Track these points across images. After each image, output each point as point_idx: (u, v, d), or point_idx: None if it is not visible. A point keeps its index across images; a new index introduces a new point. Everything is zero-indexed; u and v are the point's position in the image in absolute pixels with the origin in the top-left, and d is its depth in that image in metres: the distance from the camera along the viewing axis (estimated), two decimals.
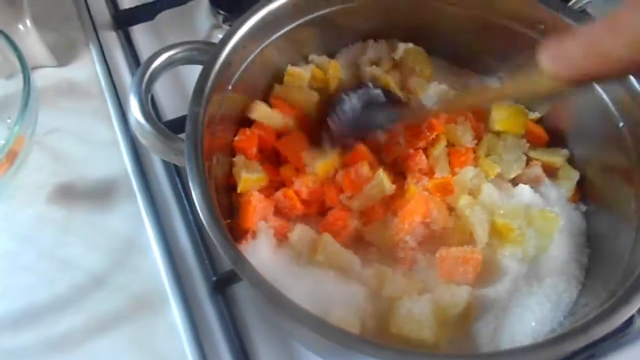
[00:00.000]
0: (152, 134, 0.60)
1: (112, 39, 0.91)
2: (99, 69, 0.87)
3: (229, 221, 0.64)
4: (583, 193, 0.70)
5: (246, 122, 0.70)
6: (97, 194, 0.75)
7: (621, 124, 0.62)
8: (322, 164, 0.66)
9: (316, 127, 0.70)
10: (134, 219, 0.73)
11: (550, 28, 0.67)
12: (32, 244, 0.71)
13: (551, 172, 0.71)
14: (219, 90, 0.61)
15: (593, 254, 0.67)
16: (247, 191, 0.65)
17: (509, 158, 0.70)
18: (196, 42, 0.67)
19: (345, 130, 0.68)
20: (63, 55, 0.88)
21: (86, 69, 0.88)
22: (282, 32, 0.70)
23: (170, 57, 0.64)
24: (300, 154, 0.68)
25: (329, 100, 0.71)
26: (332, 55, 0.79)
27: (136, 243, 0.72)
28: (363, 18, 0.76)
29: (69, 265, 0.70)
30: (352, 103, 0.68)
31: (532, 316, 0.59)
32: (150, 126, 0.60)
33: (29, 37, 0.83)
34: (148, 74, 0.63)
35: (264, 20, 0.66)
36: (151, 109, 0.62)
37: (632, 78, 0.61)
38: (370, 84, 0.70)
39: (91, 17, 0.93)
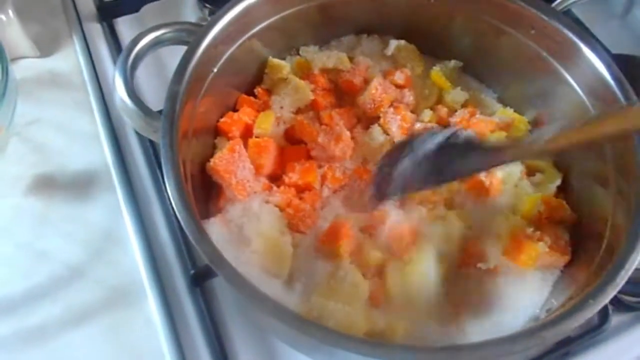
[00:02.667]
0: (134, 111, 0.60)
1: (95, 31, 0.91)
2: (82, 60, 0.86)
3: None
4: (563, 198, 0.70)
5: (233, 106, 0.71)
6: (77, 186, 0.75)
7: None
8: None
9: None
10: (113, 211, 0.72)
11: (540, 32, 0.68)
12: (9, 235, 0.70)
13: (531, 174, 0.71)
14: (202, 71, 0.62)
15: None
16: None
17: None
18: (184, 23, 0.67)
19: (418, 177, 0.58)
20: (46, 46, 0.88)
21: (69, 60, 0.87)
22: (272, 19, 0.70)
23: (157, 36, 0.65)
24: None
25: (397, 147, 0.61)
26: (322, 46, 0.79)
27: (115, 235, 0.71)
28: (358, 11, 0.76)
29: (46, 256, 0.69)
30: (429, 147, 0.57)
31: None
32: (133, 103, 0.60)
33: (11, 27, 0.83)
34: (134, 52, 0.63)
35: (255, 4, 0.66)
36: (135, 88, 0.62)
37: (615, 88, 0.61)
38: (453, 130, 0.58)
39: (75, 8, 0.93)
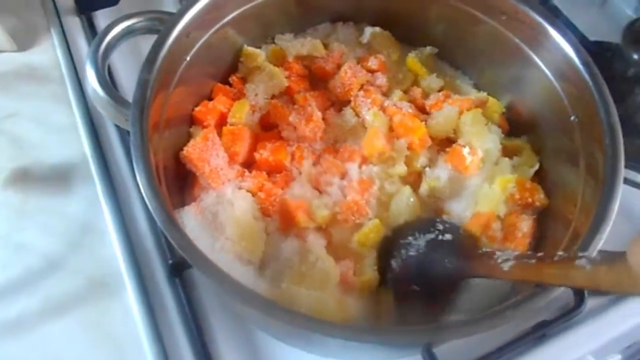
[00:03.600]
0: (106, 100, 0.60)
1: (74, 24, 0.90)
2: (60, 53, 0.86)
3: None
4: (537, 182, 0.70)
5: (209, 95, 0.71)
6: (55, 178, 0.74)
7: (572, 117, 0.64)
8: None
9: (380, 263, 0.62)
10: (91, 202, 0.72)
11: (512, 18, 0.68)
12: None
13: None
14: (174, 60, 0.61)
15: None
16: None
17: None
18: (156, 12, 0.67)
19: (408, 274, 0.60)
20: (23, 40, 0.87)
21: (47, 53, 0.87)
22: (247, 6, 0.70)
23: (129, 26, 0.65)
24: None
25: (393, 237, 0.63)
26: (297, 35, 0.78)
27: (93, 226, 0.71)
28: None
29: (23, 248, 0.69)
30: (418, 246, 0.60)
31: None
32: (105, 93, 0.60)
33: None
34: (105, 42, 0.63)
35: None
36: (107, 77, 0.62)
37: (583, 72, 0.62)
38: (440, 225, 0.61)
39: (53, 1, 0.92)
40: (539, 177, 0.69)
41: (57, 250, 0.69)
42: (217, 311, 0.66)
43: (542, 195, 0.66)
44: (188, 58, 0.64)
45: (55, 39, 0.87)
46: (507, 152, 0.71)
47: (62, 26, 0.89)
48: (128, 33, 0.64)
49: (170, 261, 0.68)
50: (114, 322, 0.65)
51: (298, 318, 0.47)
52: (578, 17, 0.93)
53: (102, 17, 0.91)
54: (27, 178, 0.74)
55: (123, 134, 0.79)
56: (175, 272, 0.68)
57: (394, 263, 0.60)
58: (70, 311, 0.65)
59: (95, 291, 0.67)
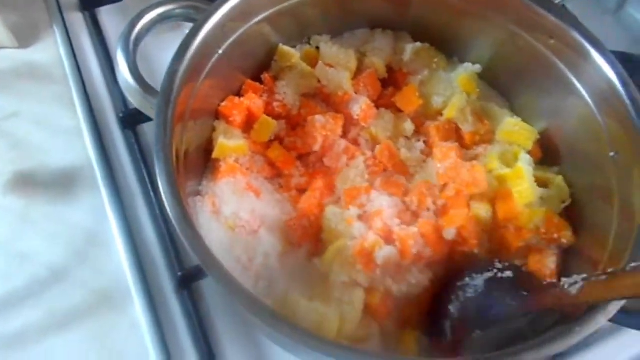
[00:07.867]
0: (135, 88, 0.59)
1: (77, 21, 0.87)
2: (63, 51, 0.83)
3: None
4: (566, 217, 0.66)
5: (237, 91, 0.69)
6: (58, 184, 0.72)
7: (612, 153, 0.61)
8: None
9: (433, 311, 0.60)
10: (96, 210, 0.70)
11: (560, 42, 0.65)
12: None
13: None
14: (206, 51, 0.60)
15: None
16: (222, 157, 0.64)
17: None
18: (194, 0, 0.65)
19: (467, 318, 0.56)
20: (25, 36, 0.84)
21: (49, 51, 0.84)
22: (286, 3, 0.68)
23: (163, 12, 0.63)
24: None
25: (448, 281, 0.60)
26: (334, 37, 0.76)
27: (99, 236, 0.68)
28: (375, 4, 0.73)
29: (26, 258, 0.66)
30: (476, 287, 0.57)
31: None
32: (134, 80, 0.59)
33: None
34: (137, 28, 0.62)
35: None
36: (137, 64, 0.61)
37: (631, 111, 0.58)
38: (499, 264, 0.58)
39: None
40: (567, 212, 0.66)
41: (61, 261, 0.67)
42: (226, 324, 0.65)
43: (569, 233, 0.62)
44: (221, 51, 0.62)
45: (58, 36, 0.84)
46: (537, 183, 0.66)
47: (65, 23, 0.86)
48: (162, 20, 0.63)
49: (180, 273, 0.66)
50: (120, 335, 0.63)
51: (300, 334, 0.46)
52: (592, 26, 0.92)
53: (106, 14, 0.88)
54: (29, 183, 0.71)
55: (129, 138, 0.76)
56: (184, 285, 0.66)
57: (452, 308, 0.57)
58: (75, 325, 0.63)
59: (100, 304, 0.65)
